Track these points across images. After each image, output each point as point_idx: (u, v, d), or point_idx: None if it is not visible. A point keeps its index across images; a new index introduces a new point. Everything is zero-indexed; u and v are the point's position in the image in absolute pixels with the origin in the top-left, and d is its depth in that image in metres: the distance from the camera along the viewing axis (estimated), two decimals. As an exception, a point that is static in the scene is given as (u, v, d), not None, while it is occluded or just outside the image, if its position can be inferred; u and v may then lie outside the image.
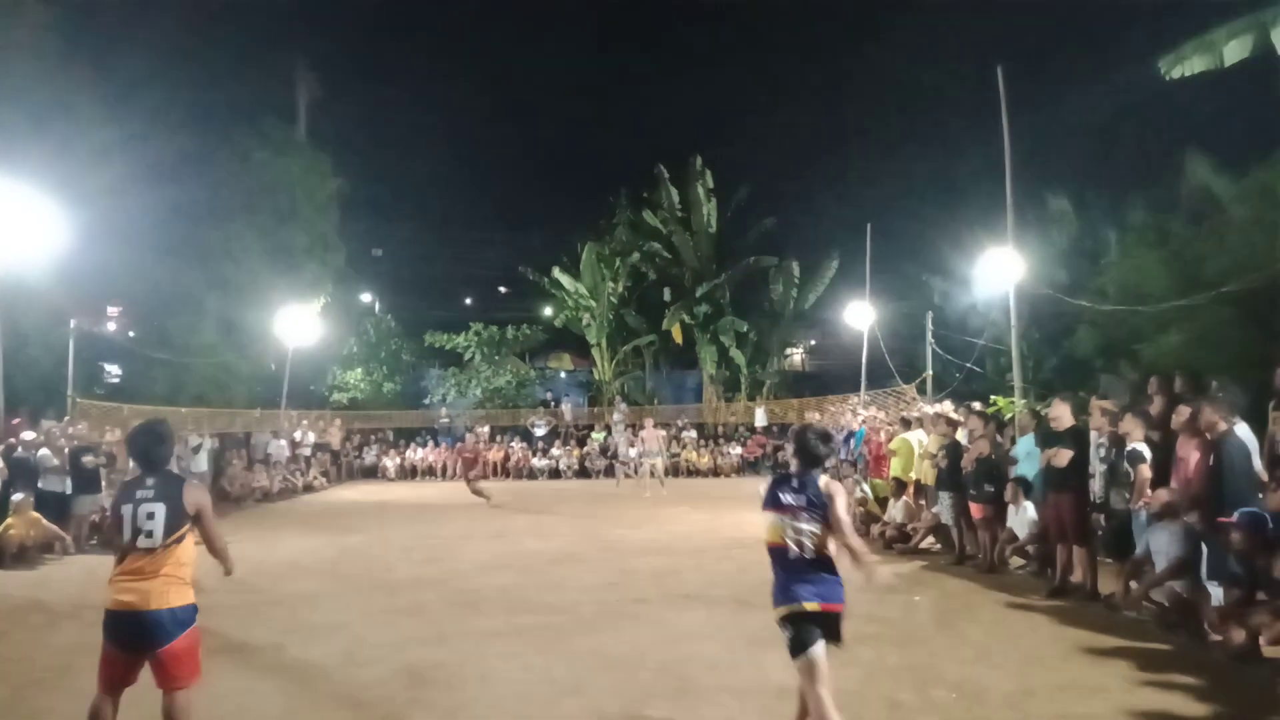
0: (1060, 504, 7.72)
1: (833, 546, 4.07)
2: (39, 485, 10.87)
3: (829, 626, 4.01)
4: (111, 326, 24.36)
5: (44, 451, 11.22)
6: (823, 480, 4.15)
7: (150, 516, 3.88)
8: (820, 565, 4.05)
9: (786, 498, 4.10)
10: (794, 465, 4.27)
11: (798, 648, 3.95)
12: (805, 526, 4.02)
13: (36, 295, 15.20)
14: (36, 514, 10.22)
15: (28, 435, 11.44)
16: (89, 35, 18.57)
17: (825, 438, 4.34)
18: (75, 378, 15.22)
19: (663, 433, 21.06)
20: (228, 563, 4.33)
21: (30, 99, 15.81)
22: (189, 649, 3.91)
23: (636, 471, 19.97)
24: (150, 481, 3.99)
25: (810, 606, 3.95)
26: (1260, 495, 6.47)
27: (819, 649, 3.93)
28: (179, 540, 3.93)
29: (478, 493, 16.31)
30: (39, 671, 5.65)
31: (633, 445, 23.91)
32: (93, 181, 16.27)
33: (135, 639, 3.85)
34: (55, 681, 5.31)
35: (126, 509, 3.91)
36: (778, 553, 4.08)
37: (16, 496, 10.16)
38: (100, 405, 16.19)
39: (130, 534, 3.89)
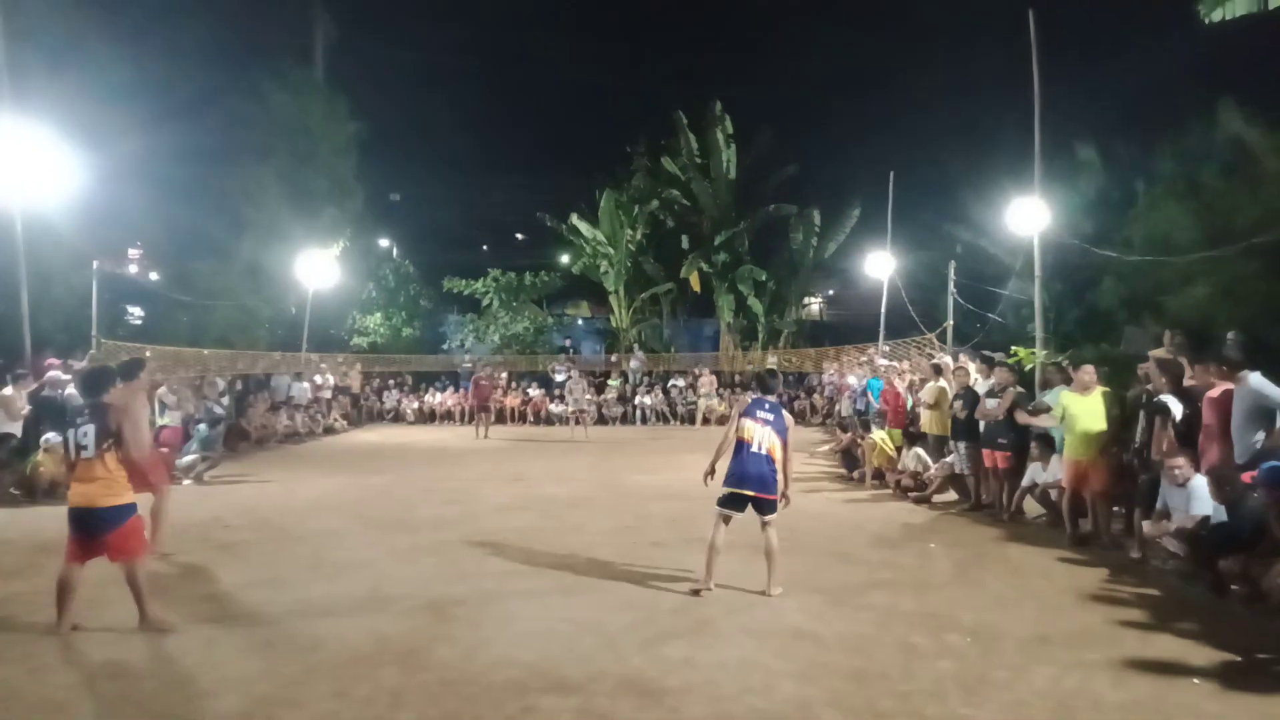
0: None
1: (780, 457, 6.01)
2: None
3: (762, 506, 5.95)
4: (133, 269, 24.50)
5: (71, 390, 11.38)
6: (786, 415, 6.20)
7: (85, 434, 5.13)
8: (768, 461, 5.95)
9: (761, 414, 6.08)
10: (759, 393, 6.38)
11: (726, 506, 5.99)
12: (769, 436, 5.98)
13: (59, 237, 15.28)
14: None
15: (56, 375, 11.60)
16: (102, -27, 18.37)
17: (774, 374, 6.80)
18: (99, 319, 15.37)
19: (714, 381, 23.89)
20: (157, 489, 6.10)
21: (44, 39, 15.69)
22: (129, 532, 5.18)
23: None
24: (86, 411, 5.30)
25: (748, 493, 5.91)
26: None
27: (736, 515, 5.99)
28: (108, 450, 5.12)
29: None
30: (74, 601, 5.79)
31: (649, 393, 24.13)
32: (109, 123, 16.22)
33: (86, 529, 5.12)
34: (88, 611, 5.44)
35: (70, 433, 5.21)
36: (744, 445, 5.96)
37: (50, 436, 10.33)
38: (125, 346, 16.35)
39: (74, 450, 5.16)
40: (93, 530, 5.11)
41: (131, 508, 5.21)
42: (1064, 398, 8.11)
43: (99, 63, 16.76)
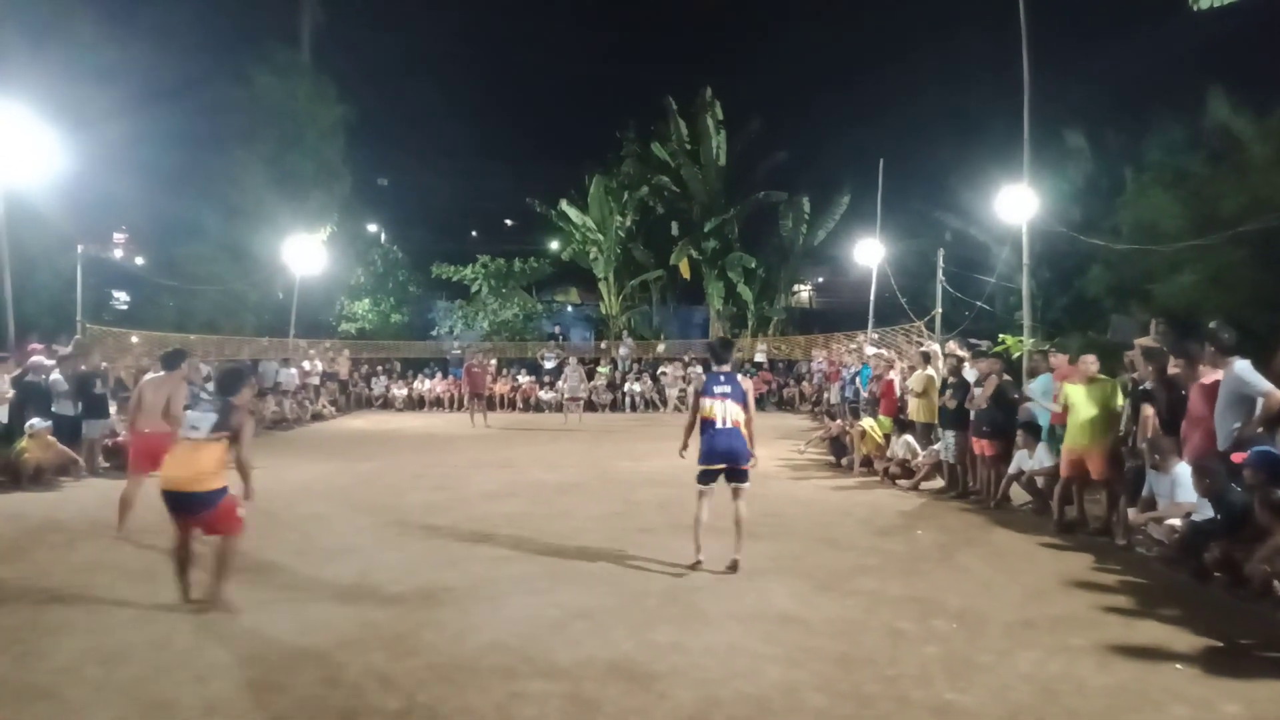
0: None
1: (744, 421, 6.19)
2: (52, 409, 10.97)
3: (733, 474, 6.20)
4: (118, 253, 24.30)
5: (55, 376, 11.30)
6: (743, 380, 6.39)
7: (204, 419, 5.35)
8: (736, 435, 6.17)
9: (718, 389, 6.24)
10: (714, 366, 6.48)
11: (703, 482, 6.24)
12: (730, 409, 6.17)
13: (42, 220, 15.14)
14: (51, 438, 10.33)
15: (40, 360, 11.52)
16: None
17: (726, 345, 6.74)
18: (84, 304, 15.25)
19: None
20: (247, 482, 5.53)
21: (26, 19, 15.48)
22: (224, 512, 5.31)
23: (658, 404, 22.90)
24: (214, 405, 5.47)
25: (720, 466, 6.18)
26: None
27: (714, 486, 6.24)
28: (218, 440, 5.29)
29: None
30: (59, 588, 5.77)
31: (638, 380, 24.15)
32: (94, 105, 16.04)
33: (181, 508, 5.27)
34: (75, 598, 5.43)
35: (192, 412, 5.46)
36: (710, 424, 6.17)
37: (35, 422, 10.25)
38: (110, 331, 16.24)
39: (186, 429, 5.35)
40: (187, 509, 5.29)
41: (224, 490, 5.34)
42: (1067, 388, 8.13)
43: (83, 44, 16.56)
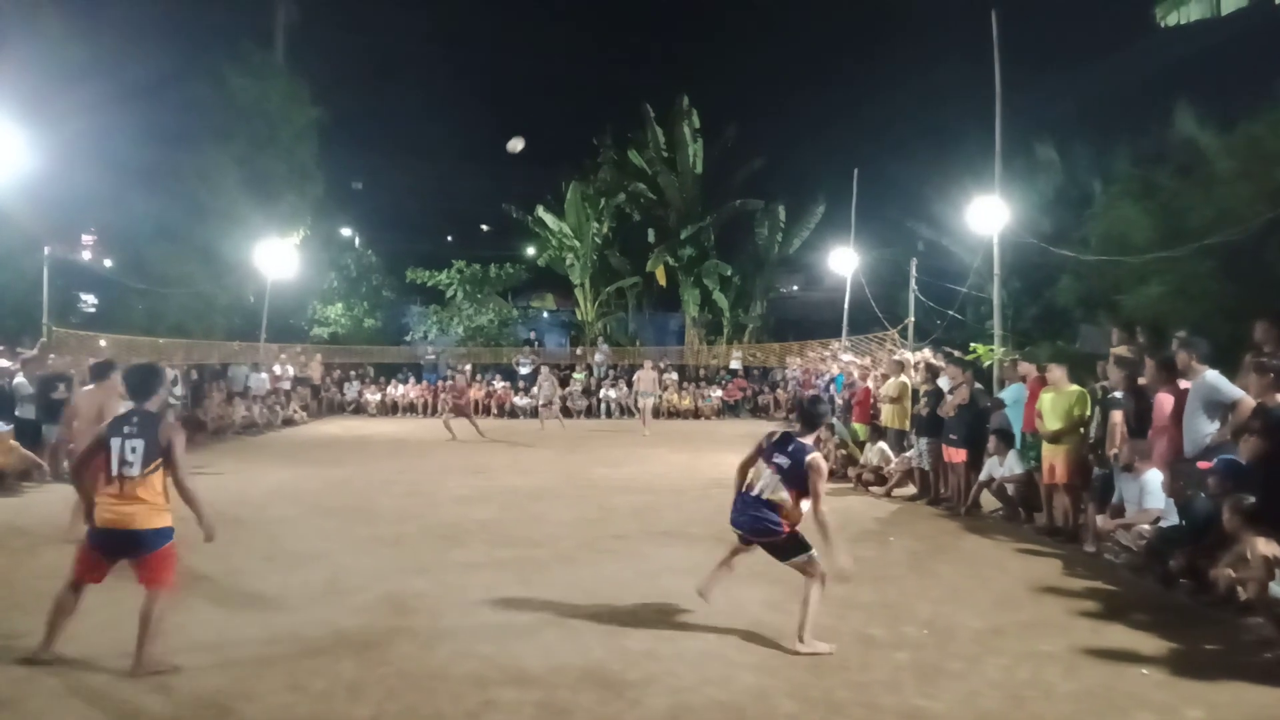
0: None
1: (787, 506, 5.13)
2: (16, 413, 10.77)
3: (770, 550, 5.26)
4: (86, 255, 23.93)
5: (19, 380, 11.11)
6: (813, 460, 5.11)
7: (134, 450, 4.46)
8: (762, 505, 5.15)
9: (778, 458, 5.17)
10: (798, 427, 5.43)
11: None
12: (773, 484, 5.13)
13: (8, 220, 14.87)
14: (13, 442, 10.15)
15: (2, 363, 11.32)
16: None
17: (817, 402, 5.62)
18: (50, 306, 14.98)
19: (656, 375, 22.44)
20: (195, 507, 4.67)
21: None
22: (166, 557, 4.55)
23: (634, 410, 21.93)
24: (135, 419, 4.56)
25: (740, 535, 5.37)
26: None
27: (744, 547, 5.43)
28: (155, 470, 4.50)
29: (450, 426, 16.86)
30: (20, 595, 5.67)
31: (614, 386, 24.12)
32: (62, 102, 15.77)
33: (117, 550, 4.52)
34: (36, 604, 5.30)
35: (115, 441, 4.49)
36: (747, 487, 5.26)
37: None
38: (77, 334, 15.97)
39: (116, 464, 4.45)
40: (125, 553, 4.49)
41: (171, 531, 4.58)
42: (1042, 396, 8.23)
43: (51, 39, 16.27)
